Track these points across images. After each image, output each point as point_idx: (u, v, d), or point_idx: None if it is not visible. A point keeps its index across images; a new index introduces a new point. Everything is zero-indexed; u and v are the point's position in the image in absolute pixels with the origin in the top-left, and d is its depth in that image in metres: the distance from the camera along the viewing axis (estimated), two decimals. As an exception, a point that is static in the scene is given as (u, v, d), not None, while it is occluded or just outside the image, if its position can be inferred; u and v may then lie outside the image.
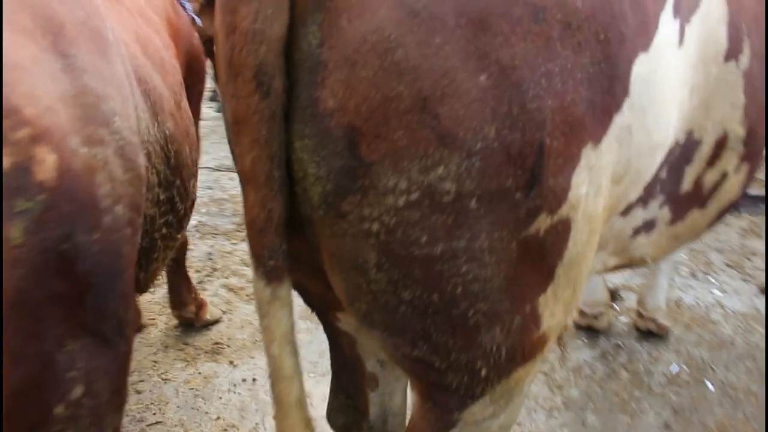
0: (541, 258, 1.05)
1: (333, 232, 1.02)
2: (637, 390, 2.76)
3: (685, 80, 1.24)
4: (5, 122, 0.91)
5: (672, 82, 1.17)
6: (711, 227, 1.77)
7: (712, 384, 2.78)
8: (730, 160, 1.50)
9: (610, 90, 1.02)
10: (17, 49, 0.97)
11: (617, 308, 3.34)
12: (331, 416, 1.67)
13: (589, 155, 1.03)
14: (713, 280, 3.67)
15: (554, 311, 1.13)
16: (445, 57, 0.89)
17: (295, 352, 1.14)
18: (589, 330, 3.13)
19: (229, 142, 1.15)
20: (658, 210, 1.44)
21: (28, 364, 0.93)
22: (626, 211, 1.35)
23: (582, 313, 3.10)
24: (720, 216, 1.68)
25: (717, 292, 3.46)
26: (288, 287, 1.10)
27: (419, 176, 0.93)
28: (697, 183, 1.47)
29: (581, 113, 0.99)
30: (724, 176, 1.53)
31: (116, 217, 1.08)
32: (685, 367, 2.88)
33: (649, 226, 1.46)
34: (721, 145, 1.44)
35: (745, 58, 1.39)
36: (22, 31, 1.00)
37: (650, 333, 3.06)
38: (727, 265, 3.87)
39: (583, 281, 1.18)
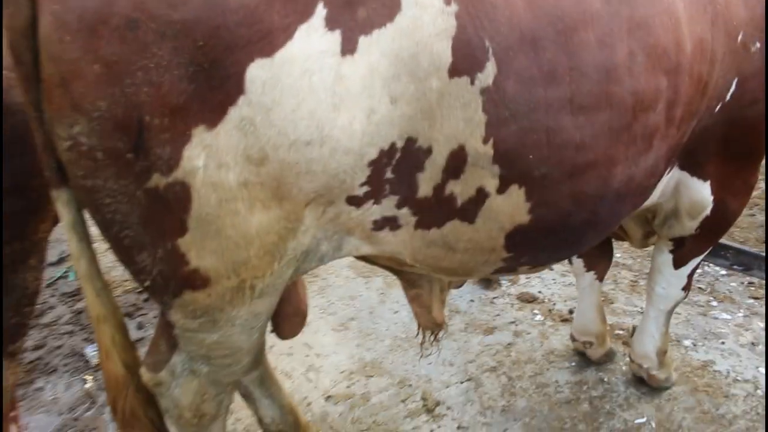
0: (168, 208, 1.37)
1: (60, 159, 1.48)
2: (584, 424, 2.63)
3: (373, 88, 1.37)
4: None
5: (332, 85, 1.34)
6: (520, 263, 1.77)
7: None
8: (481, 178, 1.55)
9: (220, 86, 1.28)
10: None
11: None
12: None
13: (203, 135, 1.31)
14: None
15: (202, 255, 1.43)
16: (72, 50, 1.28)
17: (80, 239, 1.62)
18: (583, 356, 2.98)
19: None
20: (396, 209, 1.58)
21: None
22: (354, 202, 1.53)
23: (573, 337, 2.98)
24: (514, 243, 1.69)
25: (762, 371, 2.92)
26: (65, 192, 1.56)
27: (68, 130, 1.34)
28: (441, 192, 1.55)
29: (184, 101, 1.28)
30: (481, 193, 1.58)
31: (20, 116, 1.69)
32: (654, 425, 2.61)
33: (391, 223, 1.61)
34: (459, 159, 1.51)
35: (485, 76, 1.44)
36: None
37: (644, 381, 2.80)
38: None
39: (241, 240, 1.44)
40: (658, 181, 1.99)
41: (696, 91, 1.81)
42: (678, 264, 2.46)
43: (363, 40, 1.34)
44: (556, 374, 2.92)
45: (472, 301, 3.50)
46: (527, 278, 3.72)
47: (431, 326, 2.23)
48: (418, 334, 2.30)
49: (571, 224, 1.74)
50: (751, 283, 3.56)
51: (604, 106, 1.59)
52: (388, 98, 1.41)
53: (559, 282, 3.67)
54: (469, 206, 1.61)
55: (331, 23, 1.31)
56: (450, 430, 2.62)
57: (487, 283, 3.59)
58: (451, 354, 3.07)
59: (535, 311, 3.40)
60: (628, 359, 2.92)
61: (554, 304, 3.44)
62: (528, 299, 3.48)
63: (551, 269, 3.74)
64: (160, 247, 1.43)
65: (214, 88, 1.28)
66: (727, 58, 1.88)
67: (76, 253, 1.62)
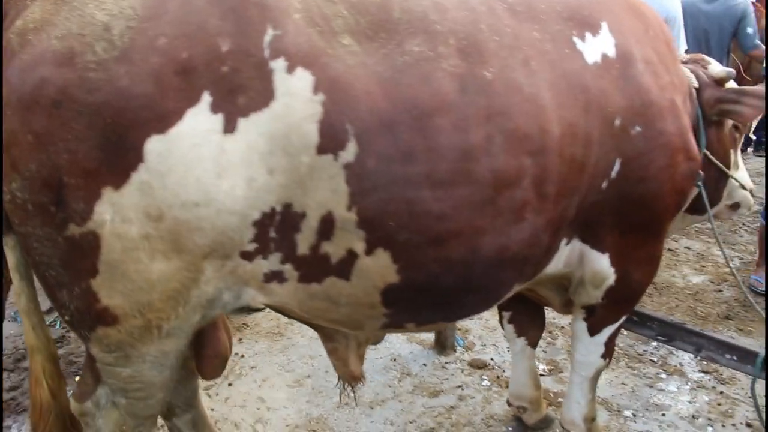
0: (83, 253, 1.65)
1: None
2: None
3: (251, 160, 1.65)
4: None
5: (216, 157, 1.62)
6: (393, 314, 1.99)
7: None
8: (349, 240, 1.80)
9: (124, 155, 1.59)
10: None
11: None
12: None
13: (110, 194, 1.61)
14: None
15: (111, 294, 1.70)
16: (12, 122, 1.61)
17: (23, 277, 1.91)
18: (521, 422, 3.09)
19: None
20: (281, 265, 1.84)
21: None
22: (246, 256, 1.80)
23: (509, 402, 3.10)
24: (390, 301, 1.93)
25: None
26: (12, 237, 1.85)
27: (9, 185, 1.65)
28: (316, 251, 1.81)
29: (96, 165, 1.58)
30: (351, 254, 1.82)
31: None
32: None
33: (278, 277, 1.86)
34: (328, 223, 1.77)
35: (347, 154, 1.71)
36: None
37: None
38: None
39: (144, 284, 1.70)
40: (546, 251, 2.18)
41: (570, 169, 2.03)
42: (592, 331, 2.61)
43: (242, 122, 1.64)
44: (489, 438, 3.04)
45: (424, 365, 3.66)
46: (483, 345, 3.88)
47: (348, 378, 2.41)
48: (337, 383, 2.48)
49: (443, 286, 1.95)
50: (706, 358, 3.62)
51: (462, 181, 1.82)
52: (265, 169, 1.69)
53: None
54: (343, 265, 1.85)
55: (215, 107, 1.62)
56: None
57: (441, 348, 3.75)
58: (395, 414, 3.21)
59: (484, 377, 3.54)
60: (562, 427, 3.02)
61: (504, 371, 3.57)
62: (479, 365, 3.62)
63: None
64: (77, 286, 1.71)
65: (120, 156, 1.59)
66: (606, 140, 2.10)
67: (18, 290, 1.91)
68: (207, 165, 1.64)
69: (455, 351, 3.78)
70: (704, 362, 3.59)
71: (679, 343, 2.79)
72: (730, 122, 2.66)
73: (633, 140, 2.17)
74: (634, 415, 3.21)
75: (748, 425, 3.14)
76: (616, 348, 2.98)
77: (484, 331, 4.05)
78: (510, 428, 3.10)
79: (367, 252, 1.83)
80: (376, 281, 1.89)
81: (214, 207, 1.67)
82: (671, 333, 2.80)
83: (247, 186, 1.69)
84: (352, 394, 3.29)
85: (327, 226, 1.78)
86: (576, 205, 2.15)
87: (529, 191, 1.96)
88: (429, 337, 3.91)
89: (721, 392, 3.40)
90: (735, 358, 2.64)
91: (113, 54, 1.58)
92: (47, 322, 3.96)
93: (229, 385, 3.45)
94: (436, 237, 1.86)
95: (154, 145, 1.60)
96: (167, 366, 1.95)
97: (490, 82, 1.86)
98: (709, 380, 3.51)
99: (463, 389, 3.42)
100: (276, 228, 1.77)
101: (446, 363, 3.67)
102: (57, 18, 1.60)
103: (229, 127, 1.64)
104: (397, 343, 3.91)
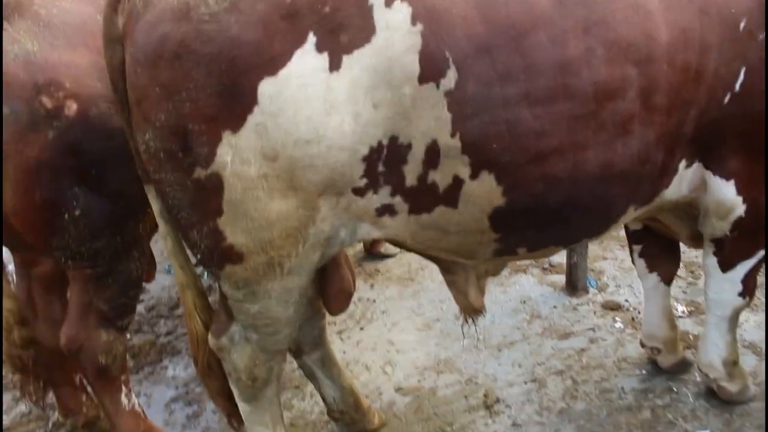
0: (208, 194, 1.78)
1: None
2: (641, 431, 2.60)
3: (357, 96, 1.69)
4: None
5: (324, 95, 1.67)
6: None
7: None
8: (455, 167, 1.80)
9: (240, 99, 1.68)
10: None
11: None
12: None
13: (229, 138, 1.71)
14: None
15: (235, 233, 1.83)
16: (141, 78, 1.75)
17: (167, 222, 2.13)
18: (656, 365, 2.92)
19: None
20: (390, 198, 1.88)
21: (53, 191, 2.22)
22: (358, 192, 1.86)
23: (642, 343, 2.94)
24: (498, 225, 1.89)
25: None
26: (152, 186, 2.06)
27: (143, 137, 1.82)
28: (424, 181, 1.82)
29: (215, 111, 1.69)
30: (457, 180, 1.83)
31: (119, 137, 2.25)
32: (719, 438, 2.52)
33: (390, 210, 1.91)
34: (434, 152, 1.78)
35: (447, 81, 1.71)
36: None
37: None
38: None
39: (264, 222, 1.81)
40: (661, 171, 2.04)
41: (684, 79, 1.89)
42: (724, 267, 2.40)
43: (346, 59, 1.67)
44: (622, 381, 2.92)
45: (554, 307, 3.58)
46: (617, 286, 3.71)
47: (469, 311, 2.43)
48: (460, 316, 2.49)
49: (549, 206, 1.92)
50: None
51: (561, 97, 1.78)
52: (370, 104, 1.72)
53: (647, 292, 3.57)
54: (450, 192, 1.87)
55: (320, 47, 1.66)
56: (504, 426, 2.75)
57: (573, 290, 3.63)
58: (522, 356, 3.18)
59: (617, 318, 3.39)
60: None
61: (639, 312, 3.39)
62: (612, 307, 3.47)
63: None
64: (205, 226, 1.85)
65: (236, 101, 1.68)
66: (727, 46, 1.91)
67: (163, 234, 2.10)
68: (315, 103, 1.69)
69: (587, 293, 3.65)
70: None
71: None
72: None
73: (760, 46, 1.95)
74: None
75: None
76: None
77: (619, 272, 3.88)
78: (644, 371, 2.96)
79: (472, 176, 1.83)
80: (483, 206, 1.89)
81: (324, 144, 1.73)
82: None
83: (354, 121, 1.72)
84: (480, 337, 3.37)
85: (432, 155, 1.79)
86: (693, 120, 1.98)
87: (635, 103, 1.85)
88: (560, 278, 3.83)
89: None
90: None
91: (223, 5, 1.66)
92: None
93: (361, 329, 3.60)
94: (538, 155, 1.83)
95: (266, 87, 1.67)
96: (291, 302, 2.06)
97: None
98: None
99: (594, 331, 3.30)
100: (384, 162, 1.80)
101: (577, 305, 3.56)
102: (173, -22, 1.71)
103: (334, 65, 1.68)
104: (527, 285, 3.86)
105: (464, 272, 2.37)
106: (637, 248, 2.84)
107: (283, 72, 1.67)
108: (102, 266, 2.38)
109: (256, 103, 1.69)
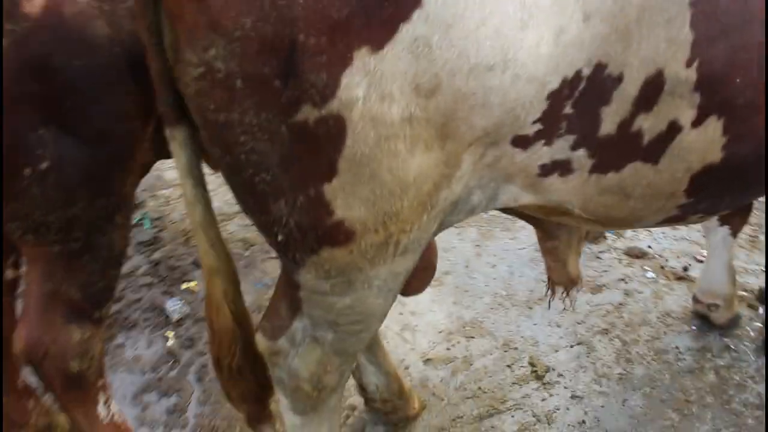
0: (316, 147, 1.14)
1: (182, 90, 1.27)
2: (710, 397, 2.39)
3: (565, 1, 1.11)
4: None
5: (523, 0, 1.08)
6: (697, 208, 1.50)
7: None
8: (677, 109, 1.28)
9: (392, -3, 1.03)
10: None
11: (761, 311, 2.78)
12: None
13: (366, 59, 1.06)
14: None
15: (350, 204, 1.21)
16: None
17: (197, 184, 1.44)
18: (706, 320, 2.71)
19: None
20: (570, 151, 1.32)
21: (7, 135, 1.41)
22: (520, 143, 1.29)
23: (696, 299, 2.70)
24: (698, 186, 1.42)
25: None
26: (182, 131, 1.37)
27: (201, 54, 1.11)
28: (626, 128, 1.30)
29: (346, 15, 1.03)
30: (673, 128, 1.31)
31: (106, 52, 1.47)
32: (792, 395, 2.35)
33: (562, 167, 1.36)
34: (654, 88, 1.24)
35: None
36: None
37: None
38: None
39: (397, 187, 1.21)
40: None
41: None
42: None
43: None
44: (674, 339, 2.67)
45: (574, 255, 3.25)
46: (634, 231, 3.43)
47: (565, 282, 2.00)
48: (547, 291, 2.07)
49: (764, 162, 1.46)
50: None
51: None
52: (581, 14, 1.14)
53: (669, 236, 3.35)
54: (656, 144, 1.34)
55: None
56: (563, 399, 2.41)
57: (590, 236, 3.32)
58: (557, 314, 2.83)
59: (646, 267, 3.13)
60: (756, 324, 2.65)
61: (666, 260, 3.16)
62: (637, 255, 3.20)
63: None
64: (302, 194, 1.21)
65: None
66: None
67: (192, 200, 1.43)
68: (509, 9, 1.08)
69: (606, 238, 3.34)
70: None
71: None
72: None
73: None
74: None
75: None
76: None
77: (628, 215, 3.60)
78: (693, 327, 2.72)
79: (695, 123, 1.32)
80: (692, 162, 1.39)
81: (510, 72, 1.13)
82: None
83: (554, 40, 1.14)
84: (503, 293, 2.98)
85: (651, 92, 1.25)
86: None
87: None
88: (569, 222, 3.48)
89: None
90: None
91: None
92: (135, 221, 3.57)
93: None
94: None
95: (437, -25, 1.03)
96: (394, 291, 1.50)
97: None
98: None
99: (626, 283, 3.01)
100: (575, 101, 1.23)
101: (599, 252, 3.25)
102: None
103: (546, -57, 1.07)
104: (536, 229, 3.48)
105: (568, 236, 1.91)
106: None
107: (468, -46, 1.03)
108: (77, 240, 1.65)
109: (419, 5, 1.05)
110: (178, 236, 3.40)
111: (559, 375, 2.52)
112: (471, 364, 2.58)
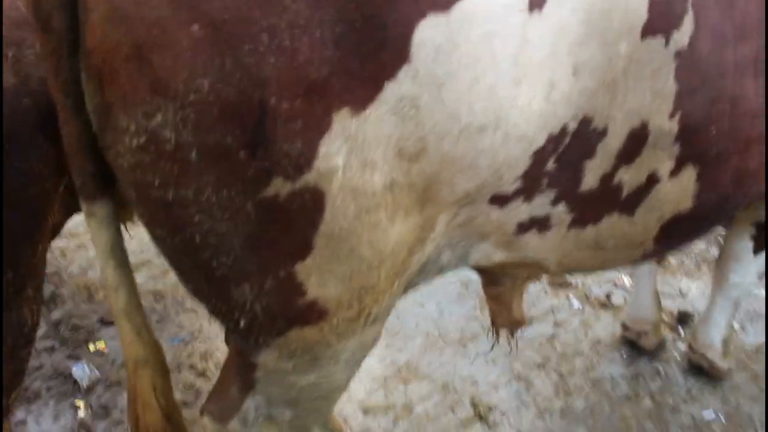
0: (288, 224, 1.00)
1: (110, 160, 1.07)
2: (651, 422, 2.43)
3: (557, 55, 1.05)
4: None
5: (516, 53, 1.00)
6: (665, 248, 1.50)
7: (747, 445, 2.35)
8: (657, 161, 1.26)
9: (377, 52, 0.91)
10: None
11: (682, 333, 2.91)
12: None
13: (346, 122, 0.94)
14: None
15: (324, 281, 1.07)
16: (154, 6, 0.87)
17: (119, 265, 1.23)
18: (634, 346, 2.78)
19: None
20: (550, 207, 1.26)
21: None
22: (498, 201, 1.20)
23: (625, 326, 2.77)
24: (666, 234, 1.41)
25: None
26: (104, 206, 1.17)
27: (143, 121, 0.93)
28: (608, 182, 1.25)
29: (325, 75, 0.90)
30: (652, 179, 1.29)
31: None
32: (722, 418, 2.44)
33: (540, 224, 1.29)
34: (638, 140, 1.21)
35: (681, 36, 1.14)
36: None
37: (703, 371, 2.63)
38: None
39: (375, 260, 1.09)
40: None
41: None
42: (757, 250, 2.25)
43: None
44: (608, 368, 2.70)
45: (500, 288, 3.23)
46: (553, 261, 3.49)
47: (510, 325, 1.95)
48: (491, 333, 2.01)
49: (725, 208, 1.48)
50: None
51: None
52: (570, 68, 1.08)
53: (588, 264, 3.44)
54: (634, 196, 1.32)
55: None
56: (510, 438, 2.36)
57: (514, 268, 3.34)
58: (491, 350, 2.79)
59: (570, 297, 3.17)
60: (684, 348, 2.74)
61: (590, 288, 3.22)
62: (561, 284, 3.24)
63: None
64: (270, 276, 1.06)
65: (368, 55, 0.91)
66: None
67: (114, 284, 1.22)
68: (504, 66, 1.00)
69: (530, 270, 3.36)
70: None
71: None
72: None
73: None
74: (743, 328, 2.97)
75: None
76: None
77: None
78: (623, 354, 2.76)
79: (672, 173, 1.30)
80: (665, 211, 1.38)
81: (501, 131, 1.05)
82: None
83: (546, 96, 1.07)
84: (435, 333, 2.90)
85: (634, 145, 1.23)
86: None
87: None
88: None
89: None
90: None
91: None
92: None
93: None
94: (744, 145, 1.36)
95: (429, 32, 0.93)
96: (360, 361, 1.37)
97: None
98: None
99: (555, 314, 3.03)
100: (558, 156, 1.18)
101: (524, 284, 3.26)
102: None
103: (536, 2, 0.99)
104: (463, 266, 3.44)
105: (512, 282, 1.86)
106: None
107: (460, 8, 0.94)
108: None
109: (405, 61, 0.94)
110: (80, 292, 3.03)
111: (502, 414, 2.47)
112: (412, 411, 2.48)
